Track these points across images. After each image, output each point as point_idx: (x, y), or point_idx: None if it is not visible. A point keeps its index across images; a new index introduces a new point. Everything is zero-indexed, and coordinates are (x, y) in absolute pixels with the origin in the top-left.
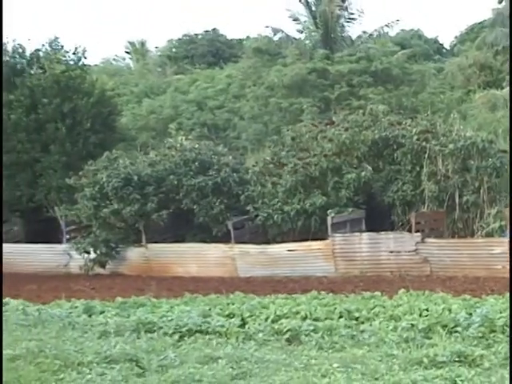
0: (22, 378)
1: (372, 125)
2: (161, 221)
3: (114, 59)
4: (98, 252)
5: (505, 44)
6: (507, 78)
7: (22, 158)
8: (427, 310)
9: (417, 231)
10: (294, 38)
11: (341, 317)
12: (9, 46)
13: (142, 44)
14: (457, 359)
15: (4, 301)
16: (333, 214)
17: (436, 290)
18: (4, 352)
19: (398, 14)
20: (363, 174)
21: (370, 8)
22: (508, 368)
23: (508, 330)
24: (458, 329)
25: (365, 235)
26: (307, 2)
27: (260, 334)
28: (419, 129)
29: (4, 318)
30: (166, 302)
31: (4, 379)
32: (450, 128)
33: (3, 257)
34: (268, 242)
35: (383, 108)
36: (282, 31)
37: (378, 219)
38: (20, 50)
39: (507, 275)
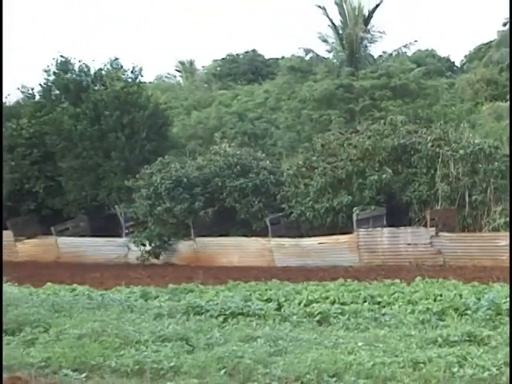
0: (88, 354)
1: (392, 133)
2: (207, 217)
3: (166, 77)
4: (153, 244)
5: (508, 62)
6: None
7: (86, 163)
8: (441, 295)
9: (431, 226)
10: (324, 58)
11: (365, 301)
12: (76, 65)
13: (191, 63)
14: (467, 339)
15: (72, 287)
16: (357, 212)
17: (448, 277)
18: (71, 331)
19: (414, 35)
20: (384, 176)
21: (390, 30)
22: None
23: None
24: (468, 312)
25: (386, 230)
26: (335, 26)
27: (294, 317)
28: (433, 136)
29: (72, 302)
30: (212, 288)
31: (72, 354)
32: (461, 136)
33: (71, 249)
34: (301, 236)
35: (401, 118)
36: (313, 51)
37: (397, 216)
38: (85, 70)
39: None
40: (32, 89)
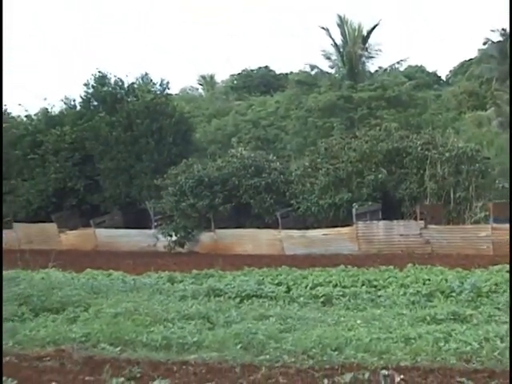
0: (122, 330)
1: (386, 138)
2: (225, 212)
3: (190, 89)
4: (178, 235)
5: (488, 76)
6: (490, 102)
7: (121, 164)
8: (429, 279)
9: (421, 219)
10: (327, 73)
11: (363, 285)
12: (111, 80)
13: (211, 77)
14: (452, 317)
15: (108, 272)
16: (356, 207)
17: (436, 264)
18: (108, 311)
19: (406, 53)
20: (380, 176)
21: (385, 48)
22: (492, 324)
23: (492, 294)
24: (453, 294)
25: (381, 223)
26: (336, 45)
27: (301, 298)
28: (422, 141)
29: (109, 285)
30: (229, 273)
31: (109, 330)
32: (446, 140)
33: (107, 239)
34: (307, 228)
35: (395, 125)
36: (318, 67)
37: (391, 210)
38: (120, 83)
39: (491, 253)
40: (74, 100)
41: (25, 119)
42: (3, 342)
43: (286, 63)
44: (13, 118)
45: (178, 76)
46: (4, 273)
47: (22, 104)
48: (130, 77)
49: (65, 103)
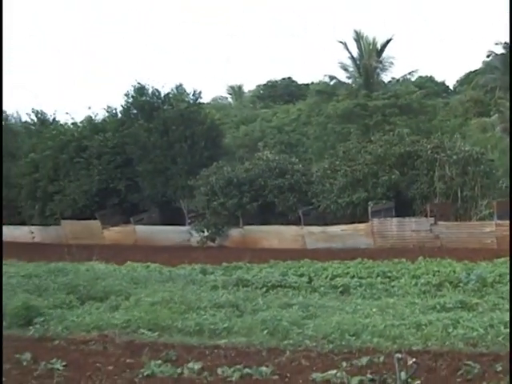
0: (159, 318)
1: (399, 142)
2: (252, 210)
3: (220, 98)
4: (210, 231)
5: (492, 85)
6: (494, 109)
7: (157, 167)
8: (438, 271)
9: (431, 216)
10: (344, 83)
11: (378, 276)
12: (149, 90)
13: (239, 88)
14: (459, 306)
15: (146, 264)
16: (372, 205)
17: (444, 257)
18: (146, 299)
19: (416, 64)
20: (393, 177)
21: (398, 60)
22: (496, 312)
23: (497, 285)
24: (460, 284)
25: (394, 219)
26: (353, 57)
27: (322, 288)
28: (432, 145)
29: (147, 276)
30: (256, 265)
31: (147, 317)
32: (454, 144)
33: (146, 235)
34: (327, 224)
35: (406, 131)
36: (336, 78)
37: (403, 208)
38: (156, 93)
39: (495, 247)
40: (115, 109)
41: (71, 126)
42: (52, 328)
43: (307, 74)
44: (61, 125)
45: (210, 87)
46: (53, 265)
47: (69, 112)
48: (165, 87)
49: (107, 112)
